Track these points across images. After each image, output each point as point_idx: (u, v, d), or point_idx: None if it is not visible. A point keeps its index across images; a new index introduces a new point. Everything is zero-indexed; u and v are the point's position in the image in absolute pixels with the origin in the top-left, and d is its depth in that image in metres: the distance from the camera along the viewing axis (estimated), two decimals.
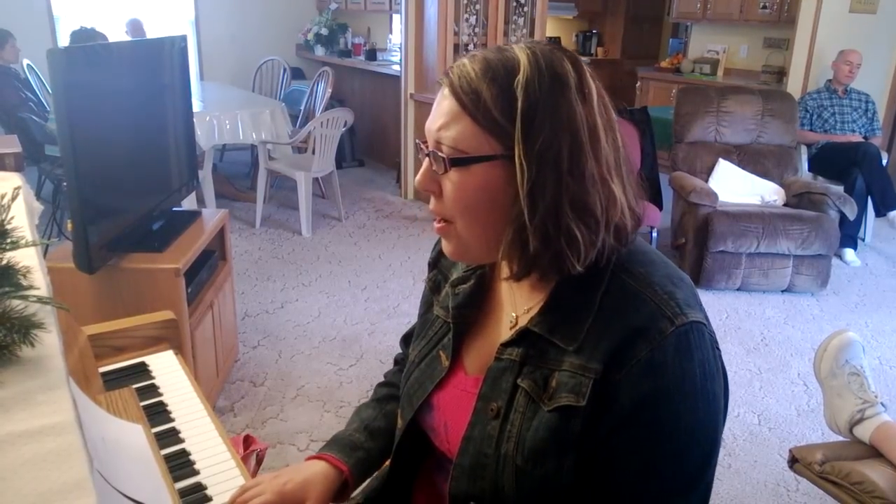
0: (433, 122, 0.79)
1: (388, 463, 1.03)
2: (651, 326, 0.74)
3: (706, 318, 0.79)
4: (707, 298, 3.64)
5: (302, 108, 5.36)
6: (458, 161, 0.76)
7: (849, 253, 4.24)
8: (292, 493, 0.93)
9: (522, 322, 0.84)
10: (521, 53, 0.76)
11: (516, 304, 0.87)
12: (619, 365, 0.74)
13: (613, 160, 0.77)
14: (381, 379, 1.17)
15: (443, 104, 0.78)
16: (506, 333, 0.86)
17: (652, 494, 0.76)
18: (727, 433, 2.47)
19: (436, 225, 0.84)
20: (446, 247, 0.85)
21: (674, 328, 0.74)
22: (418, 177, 0.82)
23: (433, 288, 1.01)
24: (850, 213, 3.76)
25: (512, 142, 0.74)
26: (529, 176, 0.74)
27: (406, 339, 1.14)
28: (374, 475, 1.10)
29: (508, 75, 0.75)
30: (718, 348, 0.79)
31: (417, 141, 0.83)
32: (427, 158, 0.80)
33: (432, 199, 0.82)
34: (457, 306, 0.92)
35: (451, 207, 0.80)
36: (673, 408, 0.74)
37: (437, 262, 1.02)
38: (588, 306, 0.78)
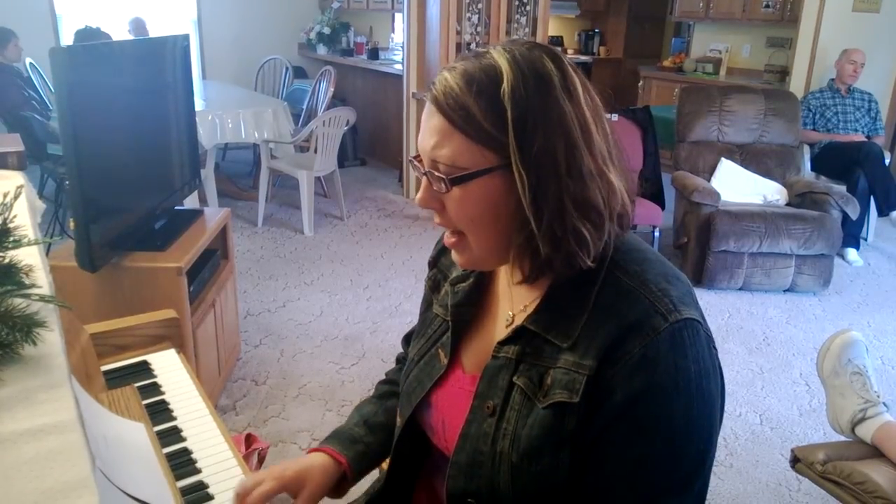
0: (425, 140, 0.78)
1: (388, 463, 1.03)
2: (644, 323, 0.74)
3: (702, 316, 0.78)
4: (709, 298, 3.64)
5: (304, 107, 5.36)
6: (458, 179, 0.76)
7: (851, 252, 4.23)
8: (291, 479, 0.94)
9: (519, 320, 0.84)
10: (500, 59, 0.75)
11: (513, 302, 0.87)
12: (612, 361, 0.74)
13: (606, 150, 0.77)
14: (383, 377, 1.17)
15: (431, 121, 0.77)
16: (502, 331, 0.86)
17: (646, 492, 0.76)
18: (729, 433, 2.46)
19: (448, 239, 0.84)
20: (458, 258, 0.85)
21: (667, 325, 0.74)
22: (419, 196, 0.81)
23: (433, 286, 1.01)
24: (853, 212, 3.75)
25: (507, 151, 0.74)
26: (530, 183, 0.73)
27: (407, 339, 1.14)
28: (377, 478, 1.10)
29: (493, 85, 0.74)
30: (714, 347, 0.79)
31: (411, 158, 0.82)
32: (425, 178, 0.80)
33: (436, 214, 0.82)
34: (456, 305, 0.92)
35: (456, 222, 0.80)
36: (667, 404, 0.73)
37: (437, 261, 1.02)
38: (583, 304, 0.78)
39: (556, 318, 0.80)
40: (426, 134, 0.78)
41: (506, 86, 0.73)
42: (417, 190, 0.82)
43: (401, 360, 1.17)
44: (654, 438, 0.74)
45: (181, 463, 1.03)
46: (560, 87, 0.74)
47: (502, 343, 0.83)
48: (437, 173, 0.77)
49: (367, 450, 1.03)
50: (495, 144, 0.74)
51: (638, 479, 0.75)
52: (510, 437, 0.80)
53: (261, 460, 1.95)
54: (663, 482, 0.75)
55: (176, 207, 2.58)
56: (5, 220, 0.83)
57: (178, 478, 1.00)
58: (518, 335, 0.82)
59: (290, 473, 0.95)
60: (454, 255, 0.85)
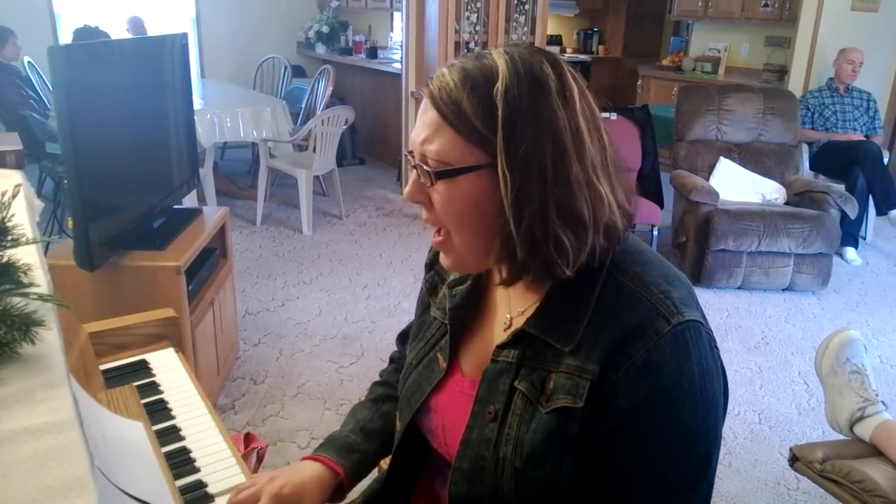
0: (417, 134, 0.78)
1: (387, 466, 1.02)
2: (647, 326, 0.74)
3: (703, 316, 0.78)
4: (708, 297, 3.64)
5: (303, 105, 5.36)
6: (444, 173, 0.76)
7: (850, 251, 4.23)
8: (289, 496, 0.93)
9: (517, 323, 0.83)
10: (499, 59, 0.75)
11: (511, 306, 0.87)
12: (615, 365, 0.74)
13: (599, 160, 0.76)
14: (377, 379, 1.16)
15: (425, 116, 0.77)
16: (500, 335, 0.85)
17: (654, 496, 0.75)
18: (728, 432, 2.47)
19: (434, 238, 0.83)
20: (444, 260, 0.85)
21: (670, 327, 0.74)
22: (406, 189, 0.81)
23: (430, 289, 1.00)
24: (852, 211, 3.75)
25: (495, 150, 0.73)
26: (513, 185, 0.73)
27: (402, 338, 1.14)
28: (375, 478, 1.10)
29: (487, 83, 0.74)
30: (716, 347, 0.79)
31: (406, 153, 0.82)
32: (414, 171, 0.80)
33: (423, 210, 0.82)
34: (453, 307, 0.92)
35: (441, 218, 0.80)
36: (672, 407, 0.73)
37: (434, 264, 1.01)
38: (584, 307, 0.78)
39: (556, 321, 0.79)
40: (419, 127, 0.78)
41: (500, 85, 0.73)
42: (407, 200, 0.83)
43: (395, 359, 1.17)
44: (660, 442, 0.74)
45: (180, 462, 1.03)
46: (556, 92, 0.74)
47: (501, 346, 0.83)
48: (425, 167, 0.77)
49: (364, 458, 1.02)
50: (484, 142, 0.74)
51: (645, 483, 0.75)
52: (513, 442, 0.79)
53: (260, 459, 1.95)
54: (671, 485, 0.75)
55: (174, 206, 2.58)
56: (3, 218, 0.83)
57: (177, 477, 1.00)
58: (518, 339, 0.81)
59: (288, 490, 0.93)
60: (441, 257, 0.85)
